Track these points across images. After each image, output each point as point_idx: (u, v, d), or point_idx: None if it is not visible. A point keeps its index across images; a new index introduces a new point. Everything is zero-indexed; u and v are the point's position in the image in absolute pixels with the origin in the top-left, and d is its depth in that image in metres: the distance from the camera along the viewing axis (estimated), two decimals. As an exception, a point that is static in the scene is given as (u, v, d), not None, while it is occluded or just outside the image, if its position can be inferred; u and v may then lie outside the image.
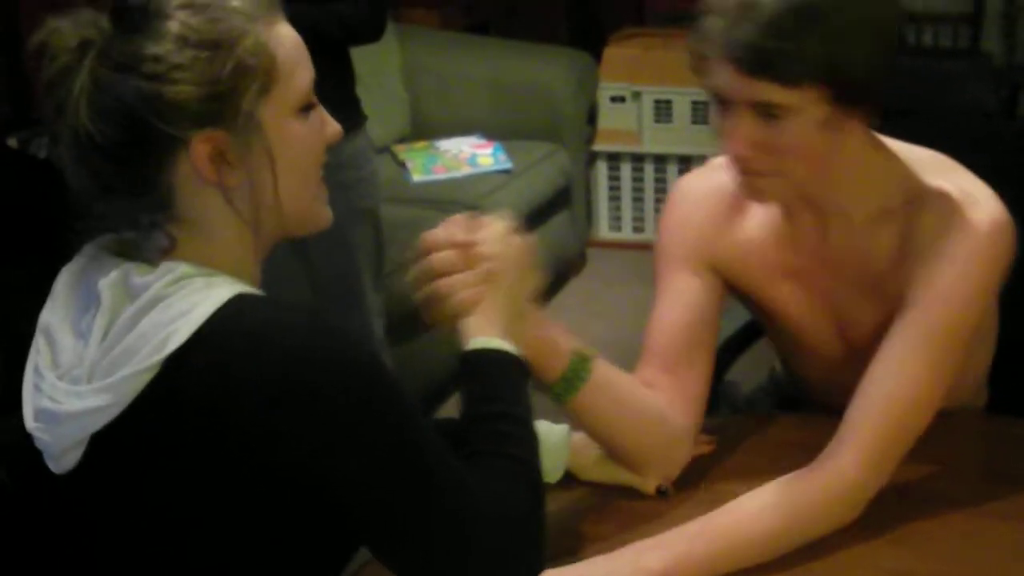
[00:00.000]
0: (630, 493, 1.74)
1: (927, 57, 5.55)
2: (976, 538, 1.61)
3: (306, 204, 1.48)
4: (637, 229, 5.02)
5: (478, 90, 4.76)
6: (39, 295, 1.43)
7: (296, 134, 1.41)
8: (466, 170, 4.34)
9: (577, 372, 1.65)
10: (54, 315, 1.40)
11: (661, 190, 4.94)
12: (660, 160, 4.93)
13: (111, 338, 1.32)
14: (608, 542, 1.60)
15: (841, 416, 1.66)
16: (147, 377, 1.29)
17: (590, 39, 5.09)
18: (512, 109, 4.70)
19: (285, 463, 1.31)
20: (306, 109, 1.42)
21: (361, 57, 3.05)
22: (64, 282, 1.41)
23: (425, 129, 4.69)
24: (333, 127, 1.48)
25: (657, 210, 4.93)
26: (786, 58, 1.53)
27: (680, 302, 1.82)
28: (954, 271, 1.66)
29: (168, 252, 1.37)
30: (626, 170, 4.99)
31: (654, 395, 1.76)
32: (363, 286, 3.04)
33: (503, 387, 1.48)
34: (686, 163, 4.84)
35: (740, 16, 1.53)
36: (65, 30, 1.33)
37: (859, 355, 1.73)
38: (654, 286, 1.86)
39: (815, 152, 1.62)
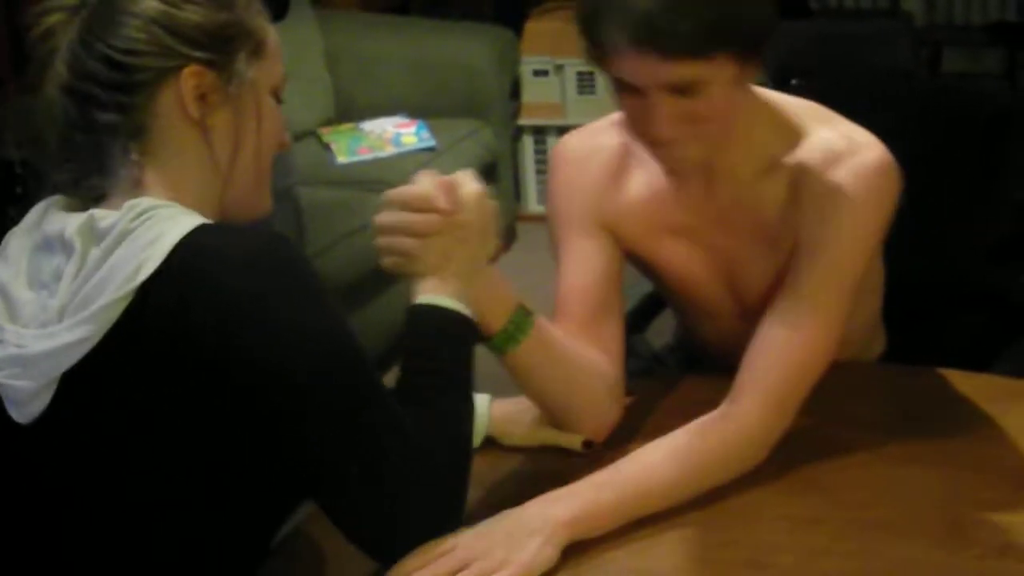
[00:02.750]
0: (550, 456, 1.76)
1: (848, 18, 5.61)
2: (886, 484, 1.65)
3: (255, 184, 1.54)
4: (566, 202, 5.02)
5: (401, 70, 4.76)
6: None
7: (269, 112, 1.52)
8: (390, 150, 4.35)
9: (519, 326, 1.65)
10: (6, 272, 1.43)
11: (588, 162, 4.96)
12: (586, 132, 4.95)
13: (82, 277, 1.36)
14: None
15: None
16: (122, 305, 1.33)
17: (513, 15, 5.10)
18: (435, 87, 4.71)
19: (239, 386, 1.35)
20: (278, 99, 1.54)
21: (283, 41, 3.04)
22: (15, 244, 1.46)
23: (350, 111, 4.69)
24: (287, 137, 1.58)
25: (585, 182, 4.96)
26: (701, 32, 1.53)
27: (583, 265, 1.84)
28: (842, 215, 1.69)
29: (133, 192, 1.43)
30: (552, 143, 5.00)
31: (587, 352, 1.78)
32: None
33: (444, 345, 1.51)
34: (611, 134, 4.86)
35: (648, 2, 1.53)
36: None
37: (752, 311, 1.77)
38: (554, 252, 1.88)
39: (731, 112, 1.65)
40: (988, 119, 2.28)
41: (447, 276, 1.53)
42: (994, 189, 2.26)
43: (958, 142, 2.24)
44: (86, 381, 1.36)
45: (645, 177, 1.83)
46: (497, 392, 1.80)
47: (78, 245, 1.38)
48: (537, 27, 4.94)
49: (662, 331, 2.33)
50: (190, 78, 1.43)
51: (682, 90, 1.58)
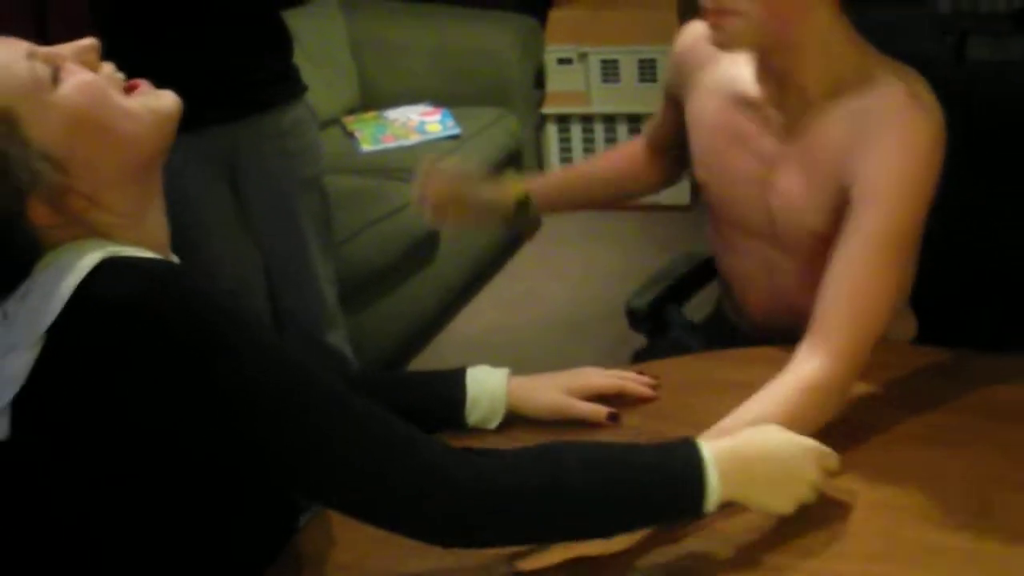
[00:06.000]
0: (577, 429, 1.76)
1: (873, 7, 5.59)
2: (912, 465, 1.64)
3: (129, 132, 1.41)
4: (590, 189, 5.03)
5: (425, 58, 4.78)
6: None
7: (64, 111, 1.37)
8: (415, 138, 4.36)
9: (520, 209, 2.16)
10: None
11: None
12: (609, 120, 4.96)
13: (6, 323, 1.35)
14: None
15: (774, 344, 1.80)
16: (36, 351, 1.31)
17: (537, 3, 5.10)
18: (459, 76, 4.72)
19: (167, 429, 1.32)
20: (53, 80, 1.37)
21: (308, 30, 3.07)
22: None
23: (374, 99, 4.71)
24: (78, 45, 1.42)
25: (609, 170, 4.98)
26: None
27: (654, 119, 2.27)
28: (905, 165, 1.75)
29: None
30: (576, 131, 5.02)
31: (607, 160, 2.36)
32: (311, 254, 3.04)
33: (652, 484, 1.44)
34: (635, 122, 4.88)
35: None
36: None
37: (779, 236, 1.91)
38: None
39: (785, 7, 1.76)
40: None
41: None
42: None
43: (989, 129, 2.23)
44: (32, 411, 1.33)
45: (730, 71, 1.96)
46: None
47: None
48: (561, 15, 4.94)
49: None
50: (34, 211, 1.36)
51: None
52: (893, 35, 4.86)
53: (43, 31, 3.64)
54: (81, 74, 1.39)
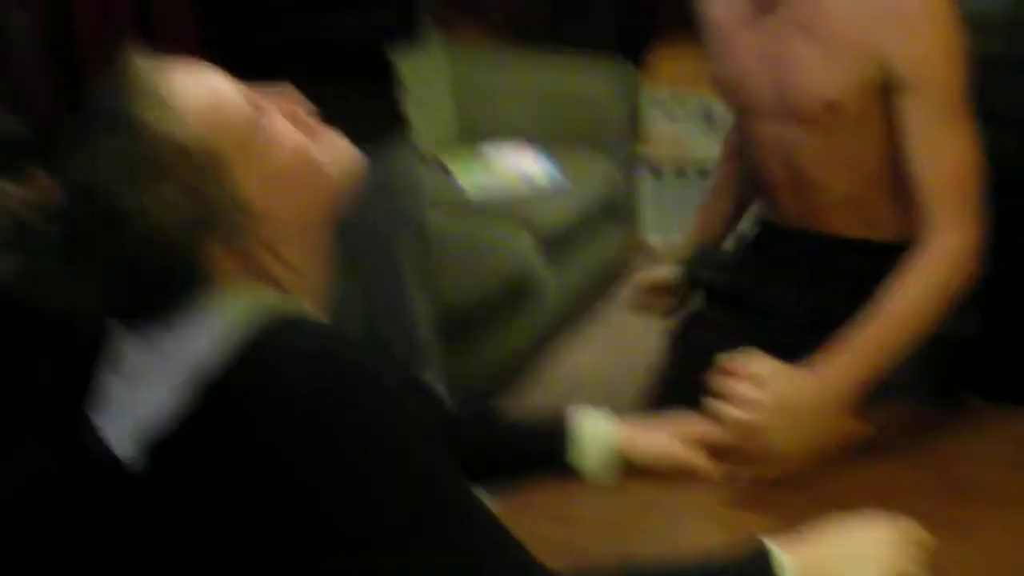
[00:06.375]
0: (679, 485, 1.74)
1: None
2: (1012, 526, 1.62)
3: (315, 191, 1.43)
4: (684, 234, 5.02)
5: (524, 99, 4.80)
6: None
7: (268, 162, 1.37)
8: (513, 179, 4.38)
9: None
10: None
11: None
12: (704, 166, 4.95)
13: (146, 346, 1.35)
14: (655, 535, 1.62)
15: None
16: (181, 395, 1.30)
17: (635, 48, 5.12)
18: (557, 118, 4.74)
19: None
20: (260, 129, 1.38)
21: (410, 68, 3.09)
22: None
23: (472, 138, 4.74)
24: (285, 97, 1.44)
25: (702, 215, 4.97)
26: None
27: None
28: (943, 36, 1.87)
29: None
30: (670, 176, 5.02)
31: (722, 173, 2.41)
32: (411, 294, 3.07)
33: None
34: (731, 168, 4.87)
35: None
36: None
37: (792, 112, 1.97)
38: None
39: None
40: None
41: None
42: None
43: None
44: (168, 453, 1.32)
45: None
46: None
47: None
48: (661, 61, 4.95)
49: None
50: (214, 256, 1.34)
51: None
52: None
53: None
54: (286, 128, 1.40)
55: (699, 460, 1.75)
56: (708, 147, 4.89)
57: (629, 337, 4.38)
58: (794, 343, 1.82)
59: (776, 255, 2.21)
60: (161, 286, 1.34)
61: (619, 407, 1.81)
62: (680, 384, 2.19)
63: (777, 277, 2.18)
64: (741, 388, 1.69)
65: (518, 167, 4.46)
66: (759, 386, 1.69)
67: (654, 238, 5.06)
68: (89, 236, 1.32)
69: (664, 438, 1.77)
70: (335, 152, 1.45)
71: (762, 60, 1.99)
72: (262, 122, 1.38)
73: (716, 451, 1.76)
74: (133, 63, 1.35)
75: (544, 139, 4.61)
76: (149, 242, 1.30)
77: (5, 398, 1.64)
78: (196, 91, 1.35)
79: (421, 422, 1.31)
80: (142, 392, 1.34)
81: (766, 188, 2.18)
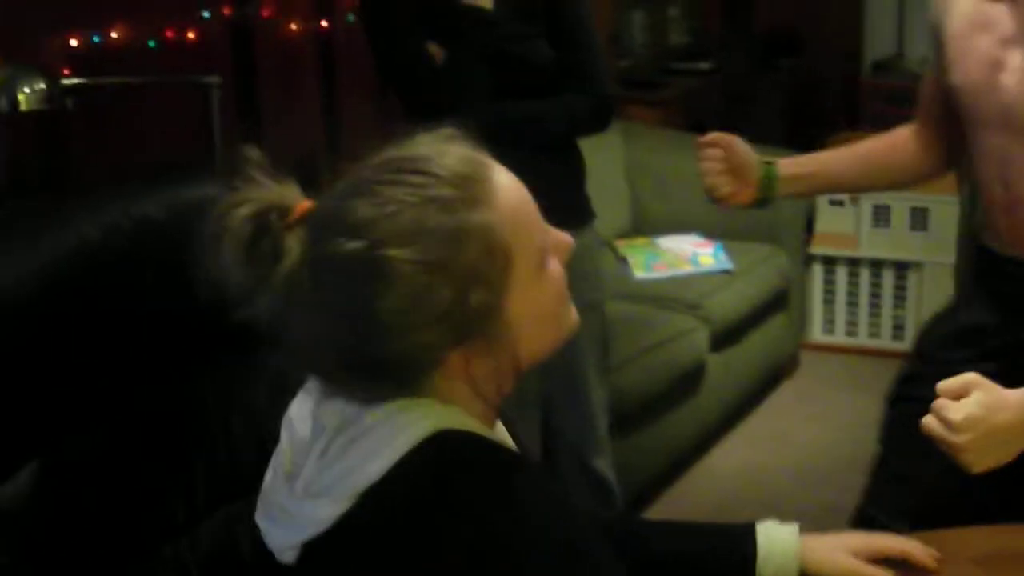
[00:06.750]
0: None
1: None
2: None
3: (554, 336, 1.40)
4: (851, 333, 5.02)
5: (697, 189, 4.79)
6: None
7: (540, 294, 1.33)
8: (687, 268, 4.39)
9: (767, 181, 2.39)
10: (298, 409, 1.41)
11: (876, 295, 4.95)
12: (876, 265, 4.94)
13: (323, 462, 1.31)
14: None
15: None
16: (343, 507, 1.28)
17: (806, 142, 5.12)
18: (731, 210, 4.73)
19: None
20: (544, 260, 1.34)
21: (586, 152, 3.12)
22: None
23: (646, 226, 4.77)
24: (565, 240, 1.39)
25: (872, 315, 4.95)
26: None
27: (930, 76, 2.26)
28: None
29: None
30: (842, 274, 5.01)
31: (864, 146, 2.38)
32: (589, 381, 3.09)
33: None
34: (903, 269, 4.85)
35: None
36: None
37: (1013, 117, 1.99)
38: None
39: None
40: None
41: None
42: None
43: None
44: (325, 554, 1.31)
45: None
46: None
47: (329, 424, 1.33)
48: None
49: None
50: (453, 361, 1.31)
51: None
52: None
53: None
54: (559, 270, 1.37)
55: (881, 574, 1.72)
56: (881, 246, 4.88)
57: (792, 434, 4.35)
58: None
59: (992, 288, 2.19)
60: (385, 366, 1.28)
61: (774, 505, 1.76)
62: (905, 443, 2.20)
63: (996, 309, 2.16)
64: (951, 410, 1.66)
65: (688, 252, 4.48)
66: (966, 413, 1.65)
67: (821, 338, 5.05)
68: (344, 283, 1.26)
69: (841, 551, 1.74)
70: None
71: (987, 66, 2.00)
72: (546, 258, 1.35)
73: (896, 565, 1.73)
74: (451, 143, 1.32)
75: (718, 230, 4.59)
76: (402, 317, 1.25)
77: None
78: (510, 187, 1.31)
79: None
80: (311, 507, 1.31)
81: (985, 210, 2.16)
